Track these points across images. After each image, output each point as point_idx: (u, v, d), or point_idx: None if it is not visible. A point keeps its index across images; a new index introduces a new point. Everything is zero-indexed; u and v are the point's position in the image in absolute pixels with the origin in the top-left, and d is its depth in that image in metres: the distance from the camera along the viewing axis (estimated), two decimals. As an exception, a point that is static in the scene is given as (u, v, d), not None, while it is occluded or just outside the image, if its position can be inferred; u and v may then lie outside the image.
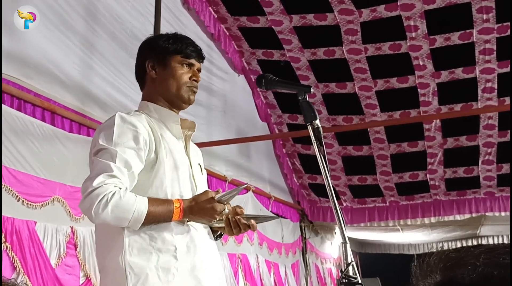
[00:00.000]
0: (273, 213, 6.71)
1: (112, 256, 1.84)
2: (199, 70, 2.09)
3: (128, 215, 1.76)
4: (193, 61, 2.05)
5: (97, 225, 1.98)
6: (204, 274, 1.89)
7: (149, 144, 1.91)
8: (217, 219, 1.90)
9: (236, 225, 1.96)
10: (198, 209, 1.84)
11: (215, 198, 1.84)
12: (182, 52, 2.03)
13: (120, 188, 1.77)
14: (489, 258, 0.72)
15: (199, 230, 1.95)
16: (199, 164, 2.08)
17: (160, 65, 2.04)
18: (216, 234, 2.08)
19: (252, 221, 1.97)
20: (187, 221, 1.89)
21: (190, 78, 2.03)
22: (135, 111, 2.03)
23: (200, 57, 2.08)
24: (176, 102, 2.04)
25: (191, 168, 2.01)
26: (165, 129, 1.99)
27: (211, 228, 2.04)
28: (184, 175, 1.95)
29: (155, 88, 2.04)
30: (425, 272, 0.77)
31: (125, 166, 1.81)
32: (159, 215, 1.81)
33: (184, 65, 2.03)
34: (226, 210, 1.91)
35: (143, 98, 2.09)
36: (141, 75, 2.10)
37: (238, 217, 1.96)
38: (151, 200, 1.82)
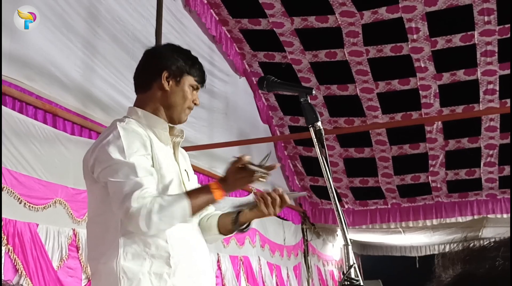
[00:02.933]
0: (278, 216, 6.70)
1: (106, 260, 1.85)
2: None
3: (175, 215, 1.81)
4: (199, 85, 2.10)
5: (88, 229, 1.99)
6: (197, 282, 1.92)
7: (149, 148, 1.93)
8: (256, 176, 1.85)
9: (269, 198, 1.92)
10: (232, 178, 1.88)
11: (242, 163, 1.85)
12: (196, 76, 2.07)
13: (155, 196, 1.81)
14: (508, 252, 0.69)
15: (193, 236, 1.98)
16: (185, 170, 2.09)
17: (174, 80, 2.03)
18: (243, 225, 2.04)
19: (285, 196, 1.95)
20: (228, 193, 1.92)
21: (193, 101, 2.08)
22: (125, 117, 2.02)
23: (204, 83, 2.13)
24: (173, 118, 2.05)
25: (181, 174, 2.03)
26: (153, 135, 1.99)
27: (238, 215, 2.01)
28: (172, 180, 1.96)
29: (161, 98, 2.03)
30: (447, 263, 0.74)
31: (147, 173, 1.85)
32: (203, 202, 1.87)
33: (192, 87, 2.07)
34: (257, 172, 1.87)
35: (136, 103, 2.07)
36: (147, 79, 2.06)
37: (269, 192, 1.94)
38: (190, 193, 1.88)
